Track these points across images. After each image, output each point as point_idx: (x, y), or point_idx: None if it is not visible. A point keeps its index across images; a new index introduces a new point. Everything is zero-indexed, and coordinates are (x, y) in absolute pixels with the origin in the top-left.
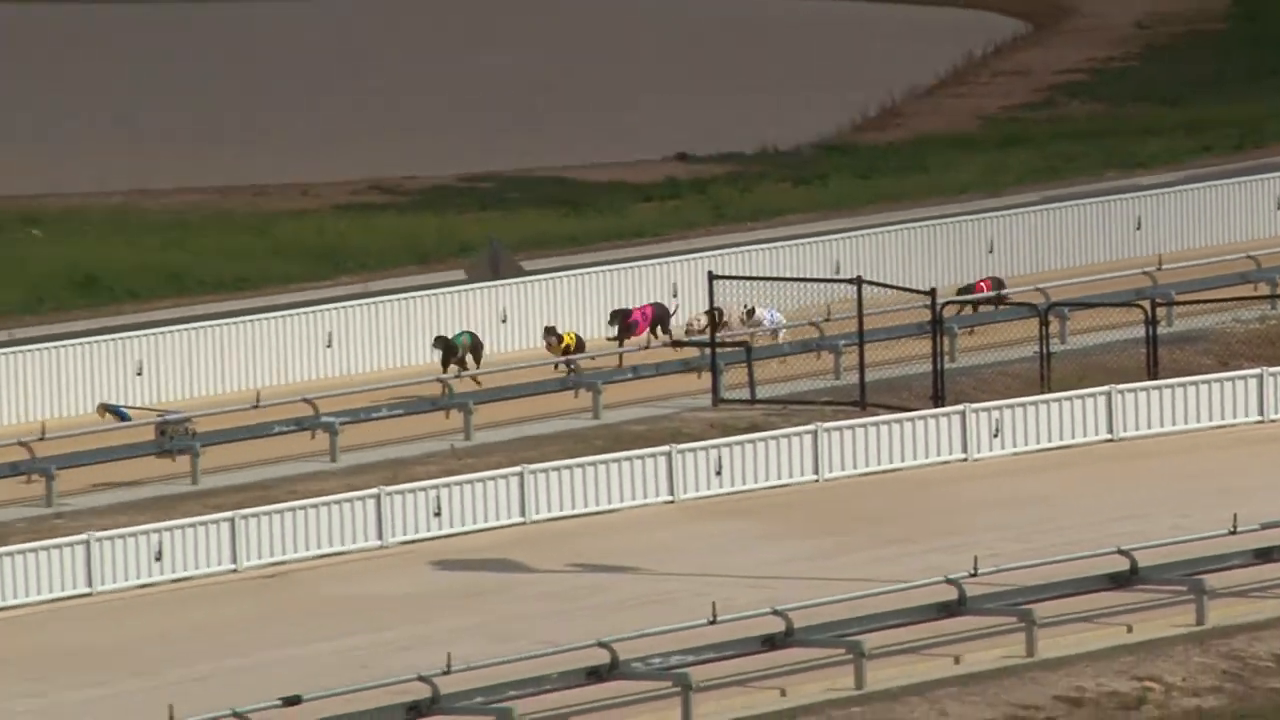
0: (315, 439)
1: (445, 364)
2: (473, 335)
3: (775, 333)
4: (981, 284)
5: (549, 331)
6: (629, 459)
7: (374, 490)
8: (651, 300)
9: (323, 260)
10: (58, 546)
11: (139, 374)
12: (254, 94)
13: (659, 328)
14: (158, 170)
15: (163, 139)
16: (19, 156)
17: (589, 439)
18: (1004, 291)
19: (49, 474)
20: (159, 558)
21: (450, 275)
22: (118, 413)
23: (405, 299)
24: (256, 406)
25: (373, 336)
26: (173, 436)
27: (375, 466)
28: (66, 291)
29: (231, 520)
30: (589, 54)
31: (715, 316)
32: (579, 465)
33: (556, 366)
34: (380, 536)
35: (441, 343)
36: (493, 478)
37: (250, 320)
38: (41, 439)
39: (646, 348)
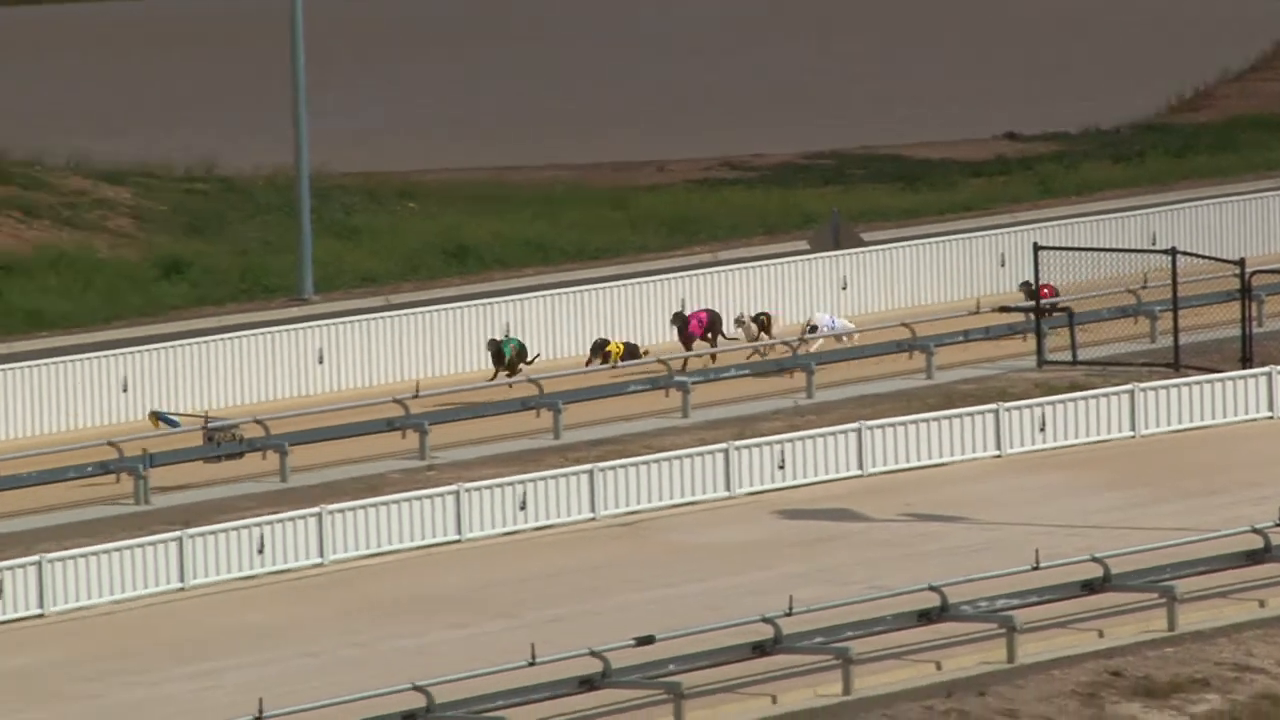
0: (669, 397)
1: (496, 368)
2: (521, 344)
3: (839, 337)
4: (1045, 289)
5: (597, 348)
6: (959, 416)
7: (723, 444)
8: (707, 306)
9: (676, 231)
10: (430, 496)
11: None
12: (614, 76)
13: (711, 332)
14: (524, 148)
15: (530, 119)
16: (397, 136)
17: (922, 398)
18: (1059, 300)
19: (422, 429)
20: (523, 507)
21: (794, 245)
22: (167, 420)
23: (752, 268)
24: (615, 366)
25: (721, 302)
26: (220, 443)
27: (724, 423)
28: (439, 260)
29: (590, 472)
30: (924, 38)
31: (766, 320)
32: (913, 422)
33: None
34: (728, 487)
35: (493, 345)
36: (833, 433)
37: (609, 287)
38: (415, 396)
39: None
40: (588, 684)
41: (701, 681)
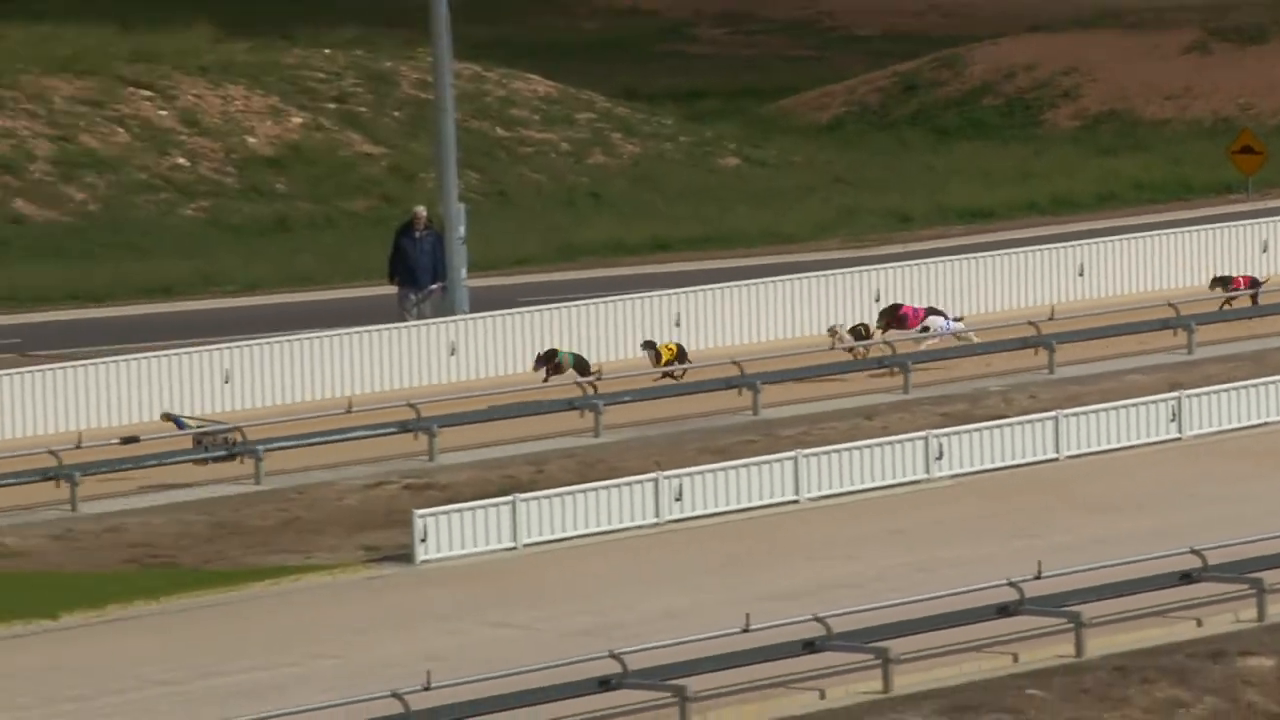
0: None
1: (547, 375)
2: (576, 356)
3: (959, 336)
4: (1239, 280)
5: (648, 345)
6: None
7: None
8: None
9: None
10: None
11: None
12: None
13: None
14: None
15: None
16: None
17: None
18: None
19: None
20: None
21: None
22: (176, 421)
23: None
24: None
25: None
26: (208, 447)
27: None
28: None
29: None
30: None
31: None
32: None
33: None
34: None
35: (547, 355)
36: None
37: None
38: None
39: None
40: None
41: None
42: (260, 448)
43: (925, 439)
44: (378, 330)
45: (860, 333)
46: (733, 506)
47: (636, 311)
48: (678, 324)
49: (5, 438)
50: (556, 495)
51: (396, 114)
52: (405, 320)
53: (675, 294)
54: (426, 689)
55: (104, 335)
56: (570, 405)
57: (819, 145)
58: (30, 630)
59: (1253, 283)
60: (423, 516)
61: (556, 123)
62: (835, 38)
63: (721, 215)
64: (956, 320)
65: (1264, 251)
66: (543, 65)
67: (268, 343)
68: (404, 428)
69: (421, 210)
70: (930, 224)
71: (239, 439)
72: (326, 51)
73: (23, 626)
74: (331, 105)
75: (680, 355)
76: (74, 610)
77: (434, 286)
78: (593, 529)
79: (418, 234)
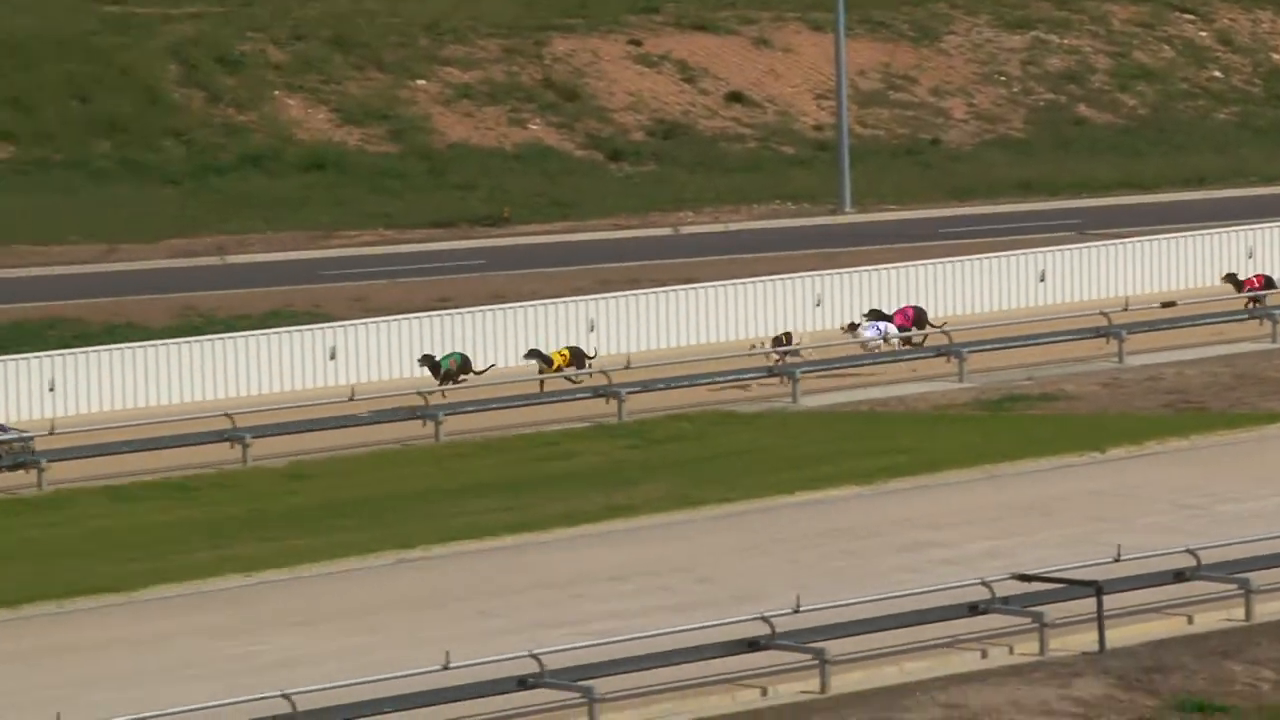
0: None
1: (440, 380)
2: (462, 356)
3: (887, 340)
4: (1253, 280)
5: (534, 354)
6: None
7: None
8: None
9: None
10: None
11: None
12: None
13: (916, 326)
14: None
15: None
16: None
17: None
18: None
19: None
20: None
21: None
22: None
23: None
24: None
25: None
26: (3, 455)
27: None
28: None
29: None
30: None
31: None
32: None
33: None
34: None
35: (428, 361)
36: None
37: None
38: None
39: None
40: None
41: None
42: None
43: None
44: None
45: (780, 341)
46: None
47: None
48: None
49: (1060, 303)
50: None
51: None
52: None
53: None
54: None
55: (1149, 218)
56: None
57: None
58: (1080, 461)
59: (1267, 282)
60: None
61: None
62: None
63: None
64: (890, 324)
65: None
66: None
67: None
68: None
69: None
70: None
71: (33, 449)
72: None
73: (1075, 457)
74: None
75: (575, 358)
76: (1118, 445)
77: None
78: None
79: None
